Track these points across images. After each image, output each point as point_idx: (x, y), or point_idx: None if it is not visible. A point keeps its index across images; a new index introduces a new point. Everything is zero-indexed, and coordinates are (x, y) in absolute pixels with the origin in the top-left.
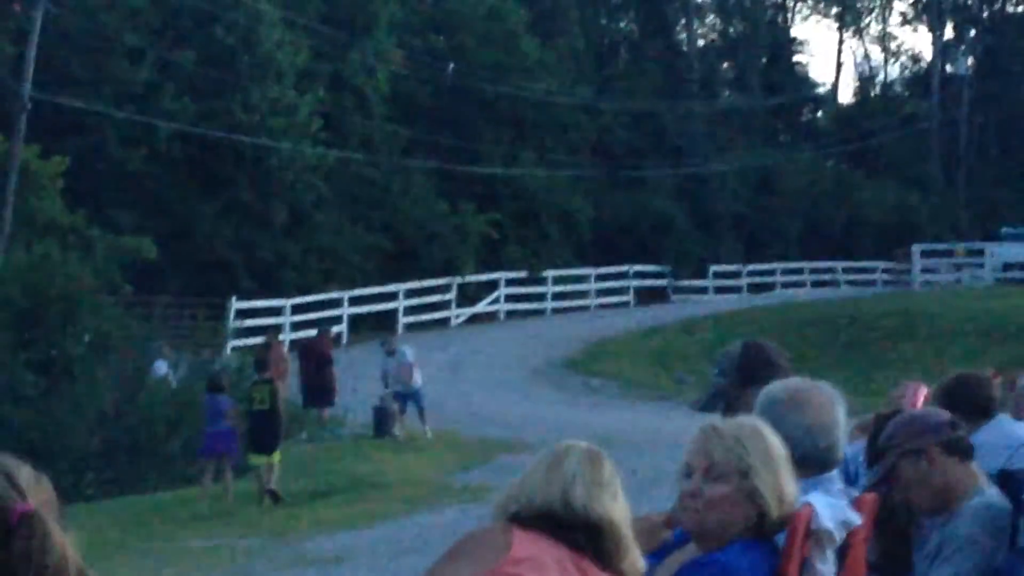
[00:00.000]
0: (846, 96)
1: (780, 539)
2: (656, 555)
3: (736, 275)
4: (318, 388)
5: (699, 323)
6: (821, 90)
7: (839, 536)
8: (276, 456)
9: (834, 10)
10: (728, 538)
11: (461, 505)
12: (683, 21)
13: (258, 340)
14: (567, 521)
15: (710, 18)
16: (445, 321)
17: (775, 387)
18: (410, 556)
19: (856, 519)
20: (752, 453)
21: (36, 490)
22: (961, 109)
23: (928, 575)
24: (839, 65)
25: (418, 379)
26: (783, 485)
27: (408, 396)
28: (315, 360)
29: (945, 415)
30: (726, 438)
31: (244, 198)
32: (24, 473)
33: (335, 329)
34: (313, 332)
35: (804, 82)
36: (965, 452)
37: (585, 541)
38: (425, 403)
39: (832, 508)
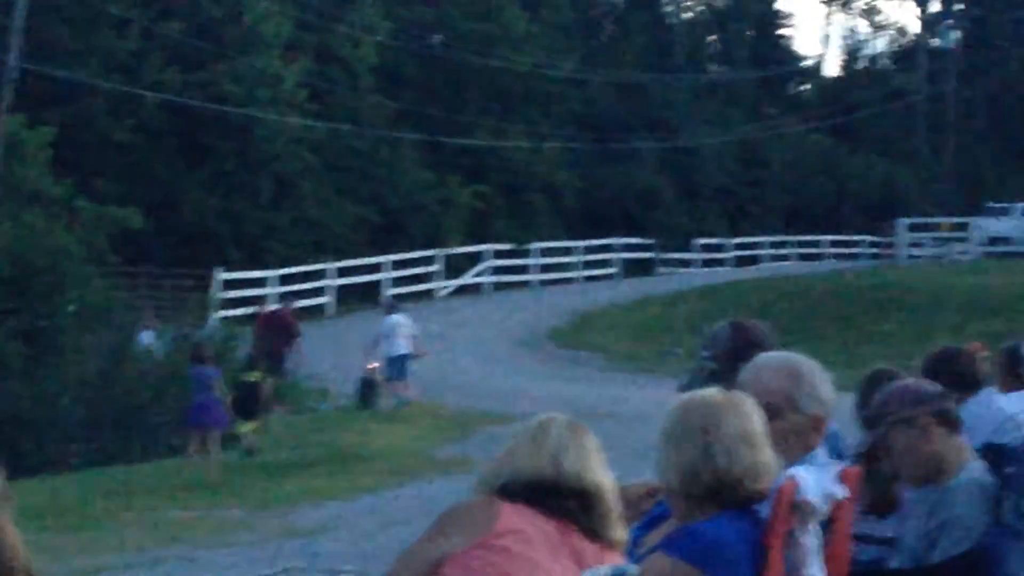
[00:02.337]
0: (832, 69)
1: (765, 511)
2: (641, 527)
3: (722, 248)
4: (275, 358)
5: (685, 296)
6: (807, 63)
7: (824, 509)
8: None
9: None
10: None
11: (446, 477)
12: None
13: (244, 311)
14: (560, 489)
15: None
16: (431, 293)
17: (793, 357)
18: (395, 527)
19: (841, 492)
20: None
21: None
22: (948, 83)
23: (931, 558)
24: (825, 38)
25: (404, 344)
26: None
27: (394, 360)
28: (276, 332)
29: (937, 386)
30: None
31: (230, 169)
32: None
33: (320, 300)
34: (299, 303)
35: (790, 55)
36: (954, 424)
37: (578, 509)
38: (401, 372)
39: (817, 481)
